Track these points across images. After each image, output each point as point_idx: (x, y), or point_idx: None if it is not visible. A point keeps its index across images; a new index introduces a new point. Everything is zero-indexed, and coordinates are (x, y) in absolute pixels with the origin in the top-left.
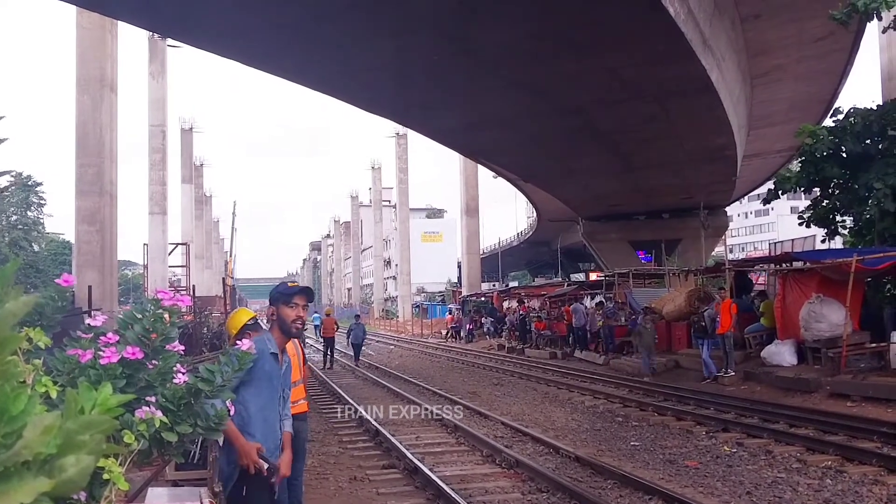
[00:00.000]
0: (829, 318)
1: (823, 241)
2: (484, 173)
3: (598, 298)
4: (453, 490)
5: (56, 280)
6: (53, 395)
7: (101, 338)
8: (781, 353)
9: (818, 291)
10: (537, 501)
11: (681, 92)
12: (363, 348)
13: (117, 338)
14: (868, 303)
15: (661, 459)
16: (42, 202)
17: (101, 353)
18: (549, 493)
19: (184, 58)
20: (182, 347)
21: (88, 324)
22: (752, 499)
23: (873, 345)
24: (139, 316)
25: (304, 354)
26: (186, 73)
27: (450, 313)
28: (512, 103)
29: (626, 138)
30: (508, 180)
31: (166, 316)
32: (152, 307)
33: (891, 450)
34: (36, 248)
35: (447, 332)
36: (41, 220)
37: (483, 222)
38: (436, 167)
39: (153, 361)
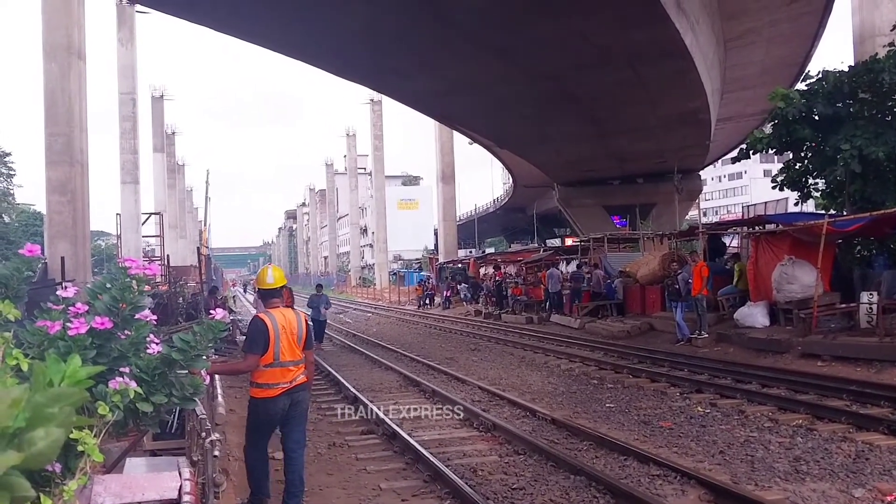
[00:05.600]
0: (801, 279)
1: (796, 204)
2: (459, 140)
3: (572, 265)
4: (431, 454)
5: (20, 250)
6: (24, 367)
7: (70, 308)
8: (754, 315)
9: (790, 253)
10: (514, 463)
11: (655, 56)
12: (326, 325)
13: (86, 308)
14: (839, 264)
15: (636, 420)
16: (11, 172)
17: (69, 323)
18: (525, 455)
19: (153, 24)
20: (154, 317)
21: (59, 295)
22: (725, 457)
23: (843, 305)
24: (108, 285)
25: (307, 334)
26: (157, 40)
27: (419, 283)
28: (485, 69)
29: (600, 103)
30: (484, 146)
31: (134, 284)
32: (120, 276)
33: (859, 407)
34: (6, 219)
35: (419, 302)
36: (11, 191)
37: (459, 189)
38: (411, 134)
39: (125, 331)
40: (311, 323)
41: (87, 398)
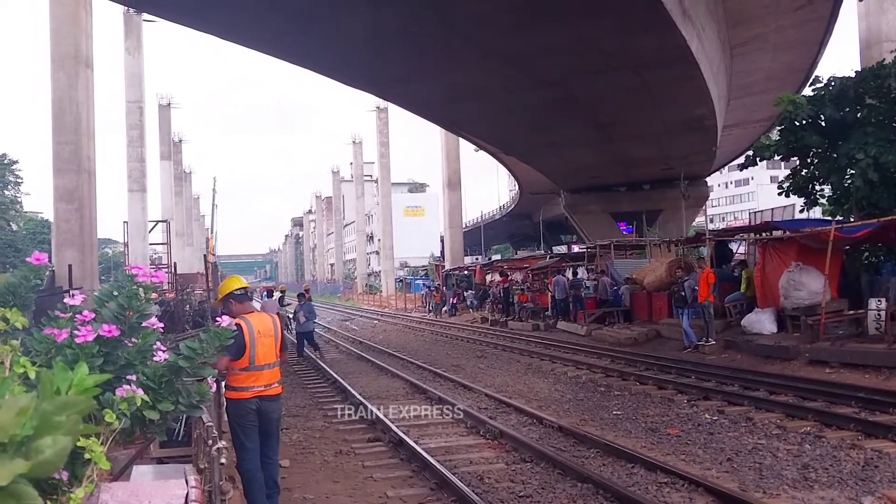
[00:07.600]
0: (808, 285)
1: (802, 211)
2: (465, 147)
3: (579, 272)
4: (438, 462)
5: (27, 259)
6: (32, 375)
7: (78, 316)
8: (761, 322)
9: (797, 260)
10: (521, 471)
11: (660, 62)
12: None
13: (93, 316)
14: (846, 271)
15: (643, 428)
16: (19, 181)
17: (76, 331)
18: (532, 462)
19: (160, 33)
20: (161, 325)
21: (66, 303)
22: (733, 465)
23: (851, 312)
24: (115, 293)
25: (282, 336)
26: (163, 49)
27: (437, 291)
28: (490, 75)
29: (606, 109)
30: (489, 153)
31: (141, 292)
32: (127, 284)
33: (868, 414)
34: (14, 227)
35: (434, 307)
36: (19, 199)
37: (465, 196)
38: (417, 141)
39: (132, 339)
40: (284, 327)
41: (94, 406)
